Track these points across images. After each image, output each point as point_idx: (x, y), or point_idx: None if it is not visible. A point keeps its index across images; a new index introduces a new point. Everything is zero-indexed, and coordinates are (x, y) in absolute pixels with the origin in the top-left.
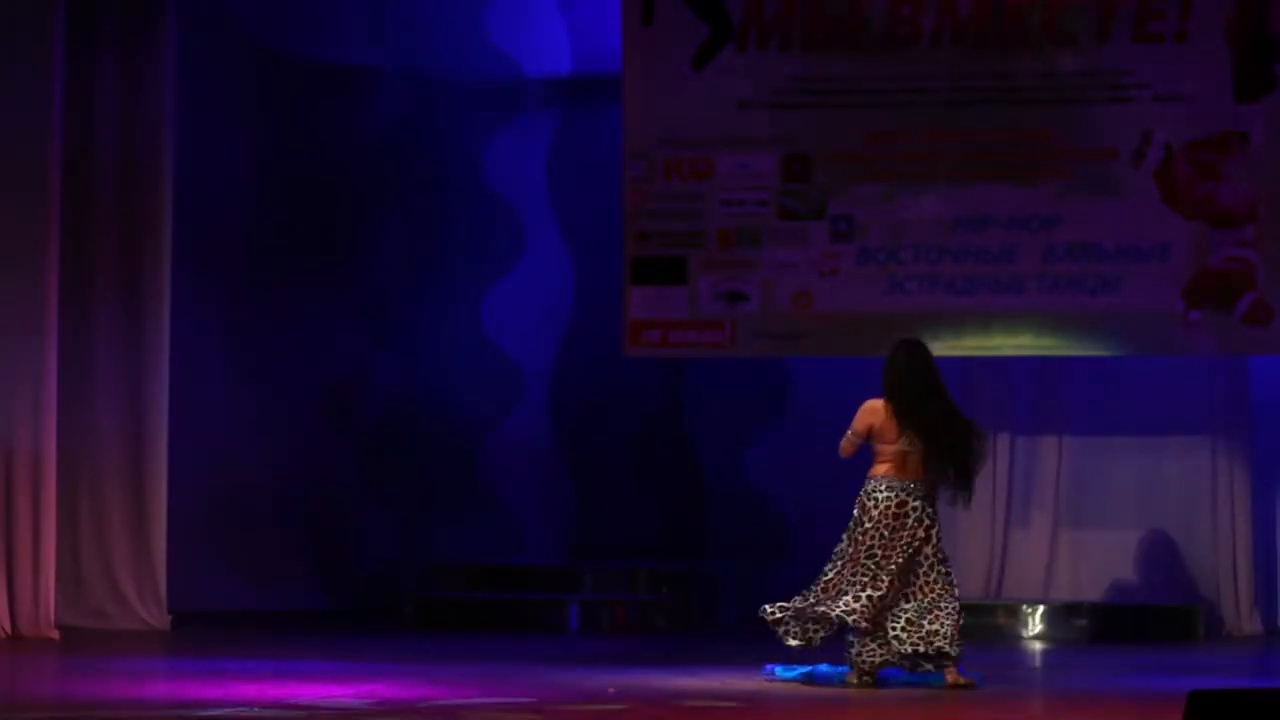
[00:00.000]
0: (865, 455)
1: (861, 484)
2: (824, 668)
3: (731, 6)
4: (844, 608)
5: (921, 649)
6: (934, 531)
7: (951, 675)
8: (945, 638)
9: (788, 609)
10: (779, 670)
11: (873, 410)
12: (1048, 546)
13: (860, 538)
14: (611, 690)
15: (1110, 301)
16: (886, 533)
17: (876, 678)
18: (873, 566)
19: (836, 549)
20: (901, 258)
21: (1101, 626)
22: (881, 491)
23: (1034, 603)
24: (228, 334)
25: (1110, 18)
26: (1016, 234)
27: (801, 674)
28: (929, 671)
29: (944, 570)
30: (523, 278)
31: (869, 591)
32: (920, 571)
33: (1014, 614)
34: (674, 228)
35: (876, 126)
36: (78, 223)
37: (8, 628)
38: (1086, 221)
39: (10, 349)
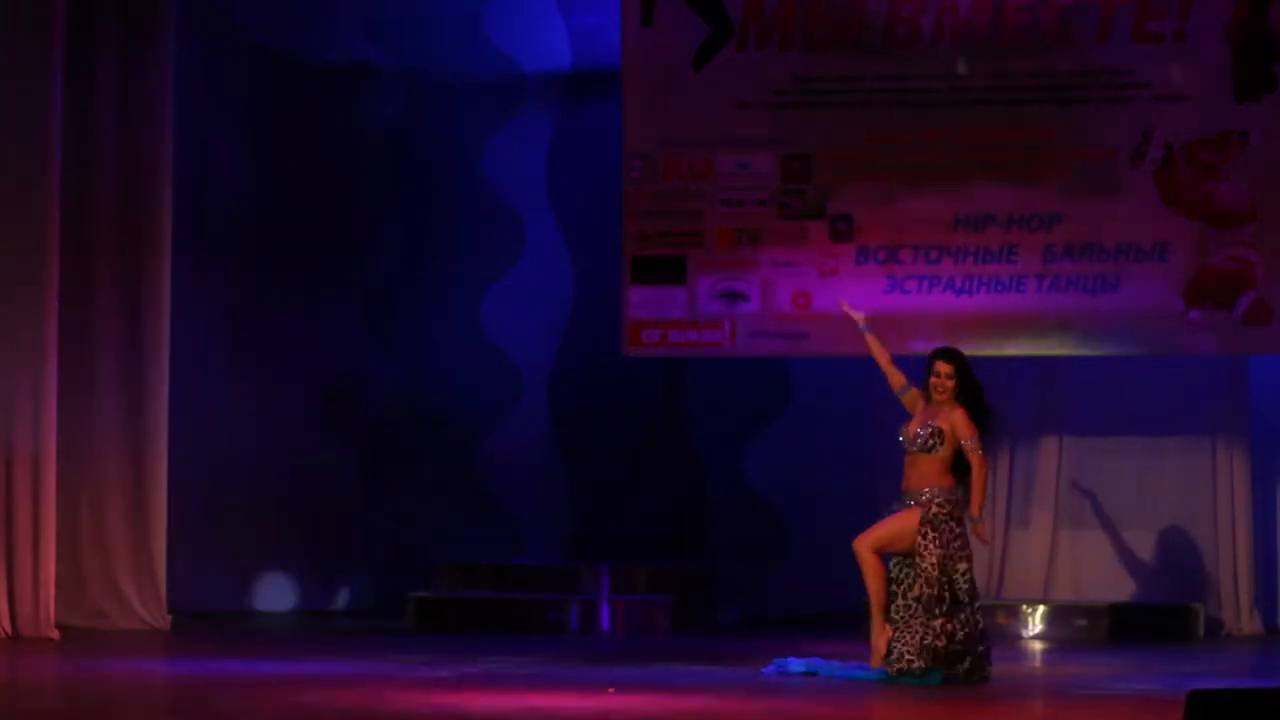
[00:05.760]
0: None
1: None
2: (832, 664)
3: (731, 6)
4: None
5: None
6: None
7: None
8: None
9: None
10: (791, 663)
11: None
12: (1048, 546)
13: None
14: (611, 690)
15: (1110, 301)
16: None
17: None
18: None
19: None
20: (901, 258)
21: (1101, 626)
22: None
23: (1034, 603)
24: (227, 334)
25: (1110, 18)
26: (1016, 234)
27: (807, 670)
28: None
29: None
30: (522, 278)
31: None
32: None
33: (1014, 614)
34: (674, 228)
35: (876, 126)
36: (78, 223)
37: (8, 628)
38: (1086, 221)
39: (10, 349)
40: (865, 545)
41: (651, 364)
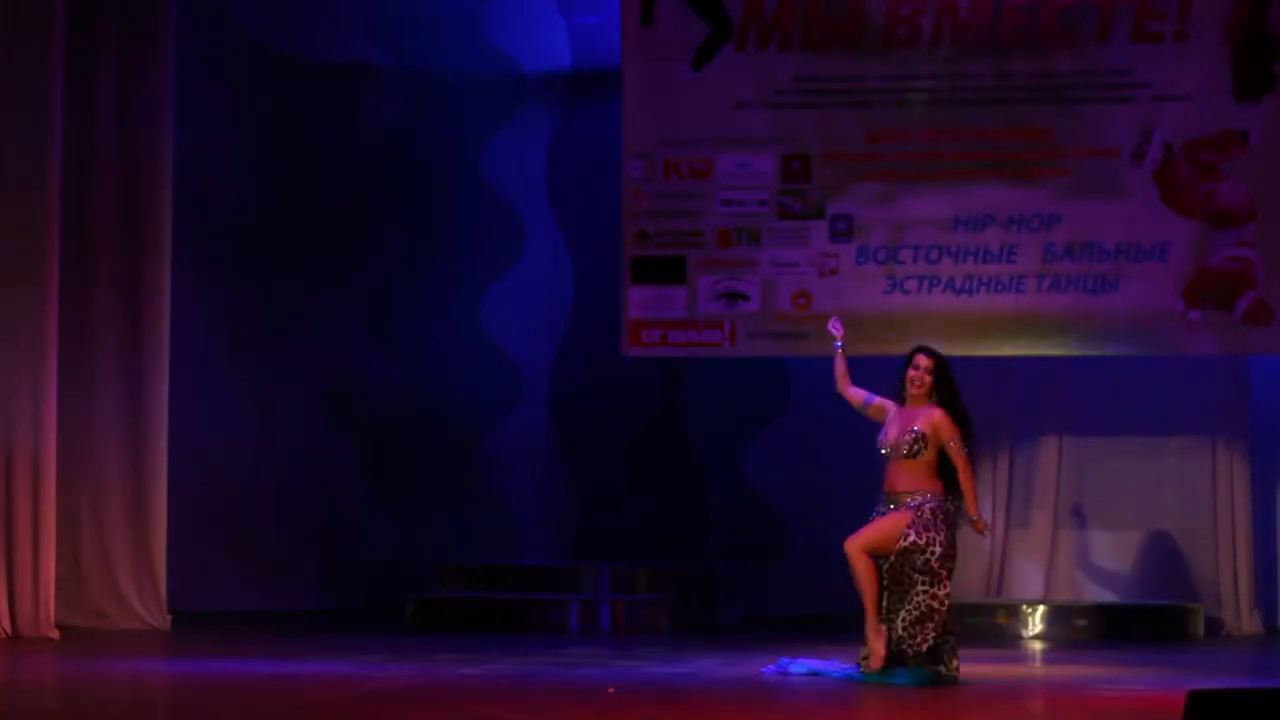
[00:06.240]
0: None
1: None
2: (832, 665)
3: (731, 6)
4: None
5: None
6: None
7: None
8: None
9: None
10: (791, 663)
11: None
12: (1048, 546)
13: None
14: (611, 690)
15: (1110, 301)
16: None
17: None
18: None
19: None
20: (901, 258)
21: (1101, 626)
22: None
23: (1034, 603)
24: (227, 334)
25: (1110, 18)
26: (1016, 234)
27: (808, 670)
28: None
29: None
30: (522, 278)
31: None
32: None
33: (1014, 614)
34: (673, 227)
35: (876, 126)
36: (78, 223)
37: (8, 628)
38: (1086, 221)
39: (10, 349)
40: (856, 546)
41: (651, 364)
